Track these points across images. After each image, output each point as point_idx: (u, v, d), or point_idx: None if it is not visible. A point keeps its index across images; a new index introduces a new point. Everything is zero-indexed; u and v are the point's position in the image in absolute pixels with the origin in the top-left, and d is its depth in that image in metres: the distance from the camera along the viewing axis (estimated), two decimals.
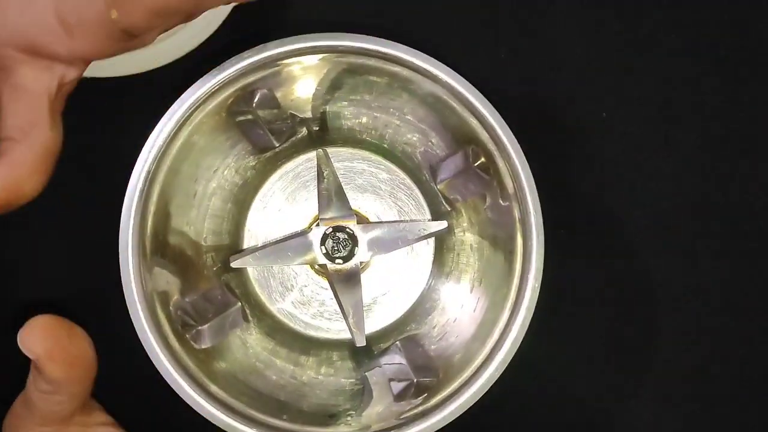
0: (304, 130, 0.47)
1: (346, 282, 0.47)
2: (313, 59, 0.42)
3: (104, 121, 0.48)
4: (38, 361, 0.36)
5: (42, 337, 0.36)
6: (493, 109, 0.40)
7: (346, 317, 0.47)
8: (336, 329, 0.48)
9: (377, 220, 0.48)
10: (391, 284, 0.48)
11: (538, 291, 0.40)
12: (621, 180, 0.51)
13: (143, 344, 0.40)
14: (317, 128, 0.47)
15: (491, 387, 0.41)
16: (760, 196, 0.51)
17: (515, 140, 0.40)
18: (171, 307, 0.43)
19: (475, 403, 0.41)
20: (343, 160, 0.48)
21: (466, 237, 0.47)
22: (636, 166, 0.51)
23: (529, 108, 0.50)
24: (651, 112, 0.51)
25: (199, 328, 0.44)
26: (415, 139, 0.47)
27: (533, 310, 0.41)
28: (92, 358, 0.38)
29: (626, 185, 0.51)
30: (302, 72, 0.42)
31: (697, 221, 0.51)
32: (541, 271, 0.40)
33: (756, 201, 0.51)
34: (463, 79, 0.40)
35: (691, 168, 0.51)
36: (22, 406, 0.39)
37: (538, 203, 0.40)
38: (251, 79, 0.41)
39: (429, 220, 0.48)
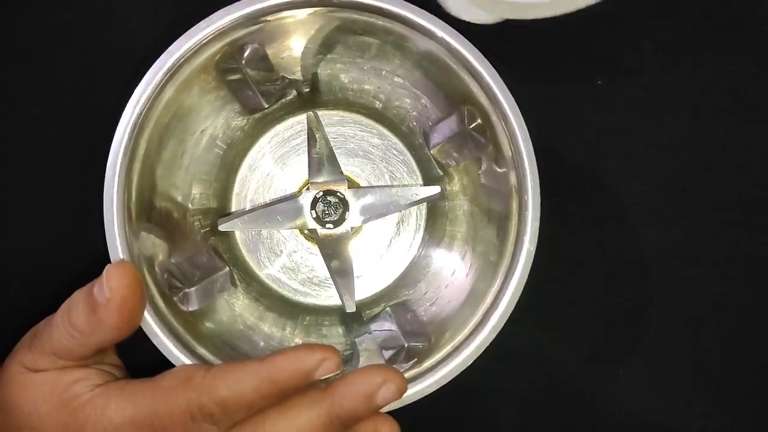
0: (294, 92, 0.46)
1: (336, 248, 0.46)
2: (304, 13, 0.41)
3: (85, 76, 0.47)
4: (110, 302, 0.36)
5: (127, 284, 0.36)
6: (490, 65, 0.39)
7: (336, 283, 0.46)
8: (325, 295, 0.47)
9: (369, 185, 0.47)
10: (382, 250, 0.47)
11: (533, 254, 0.39)
12: (616, 149, 0.50)
13: None
14: (308, 90, 0.46)
15: (482, 354, 0.41)
16: (757, 167, 0.50)
17: (511, 97, 0.39)
18: (157, 269, 0.42)
19: (466, 369, 0.41)
20: (335, 123, 0.47)
21: (459, 203, 0.46)
22: (631, 135, 0.50)
23: (523, 76, 0.50)
24: (647, 82, 0.50)
25: (186, 290, 0.43)
26: (408, 102, 0.46)
27: (527, 275, 0.40)
28: (141, 320, 0.38)
29: (621, 154, 0.50)
30: (293, 27, 0.41)
31: (692, 190, 0.50)
32: (537, 234, 0.40)
33: (752, 170, 0.50)
34: (459, 35, 0.39)
35: (687, 137, 0.50)
36: (42, 330, 0.38)
37: (535, 164, 0.39)
38: (241, 33, 0.40)
39: (421, 186, 0.47)
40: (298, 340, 0.46)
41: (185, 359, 0.39)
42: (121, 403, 0.36)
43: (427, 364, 0.40)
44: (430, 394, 0.40)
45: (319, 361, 0.34)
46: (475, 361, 0.40)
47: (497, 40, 0.42)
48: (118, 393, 0.36)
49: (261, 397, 0.35)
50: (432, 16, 0.39)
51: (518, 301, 0.41)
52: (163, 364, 0.39)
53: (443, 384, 0.40)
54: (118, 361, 0.40)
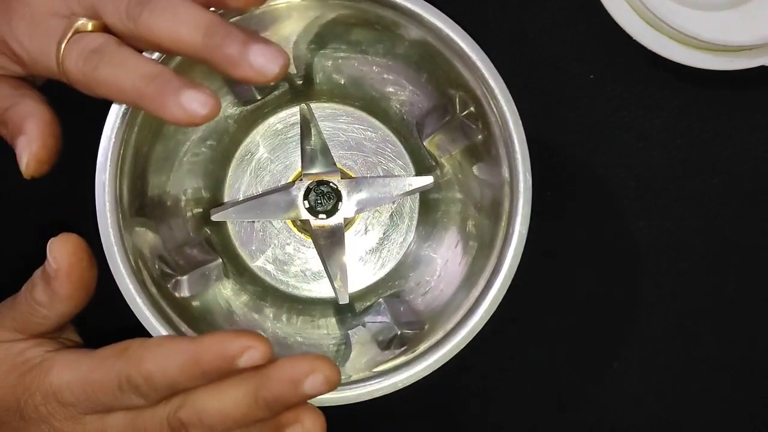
0: (286, 85, 0.46)
1: (329, 239, 0.46)
2: None
3: None
4: (57, 272, 0.37)
5: (71, 252, 0.37)
6: (481, 51, 0.40)
7: (329, 275, 0.46)
8: (318, 287, 0.47)
9: (361, 176, 0.47)
10: (376, 242, 0.47)
11: (525, 237, 0.39)
12: (608, 142, 0.50)
13: (121, 290, 0.39)
14: (301, 82, 0.47)
15: (473, 346, 0.40)
16: (747, 159, 0.50)
17: (502, 81, 0.39)
18: (149, 255, 0.42)
19: (456, 361, 0.40)
20: (328, 115, 0.47)
21: (452, 193, 0.46)
22: (624, 128, 0.50)
23: (516, 69, 0.50)
24: (639, 74, 0.50)
25: (179, 278, 0.43)
26: (400, 93, 0.46)
27: (519, 258, 0.40)
28: (94, 287, 0.38)
29: (613, 147, 0.50)
30: (285, 14, 0.41)
31: (684, 183, 0.50)
32: (528, 217, 0.40)
33: (742, 163, 0.50)
34: (450, 20, 0.40)
35: (678, 129, 0.50)
36: (6, 307, 0.39)
37: (526, 147, 0.39)
38: (233, 18, 0.40)
39: (414, 176, 0.47)
40: (291, 330, 0.46)
41: None
42: (63, 367, 0.37)
43: (419, 349, 0.40)
44: (422, 381, 0.40)
45: (242, 348, 0.34)
46: (465, 353, 0.40)
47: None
48: (63, 358, 0.38)
49: (185, 376, 0.34)
50: (423, 2, 0.40)
51: (510, 294, 0.40)
52: None
53: (436, 368, 0.40)
54: (77, 338, 0.41)
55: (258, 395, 0.34)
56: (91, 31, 0.37)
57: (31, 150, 0.38)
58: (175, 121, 0.35)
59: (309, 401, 0.36)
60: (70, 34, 0.36)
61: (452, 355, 0.40)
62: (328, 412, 0.37)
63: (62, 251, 0.37)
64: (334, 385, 0.34)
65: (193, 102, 0.34)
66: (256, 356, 0.34)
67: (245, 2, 0.36)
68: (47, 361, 0.38)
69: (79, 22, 0.36)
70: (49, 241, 0.37)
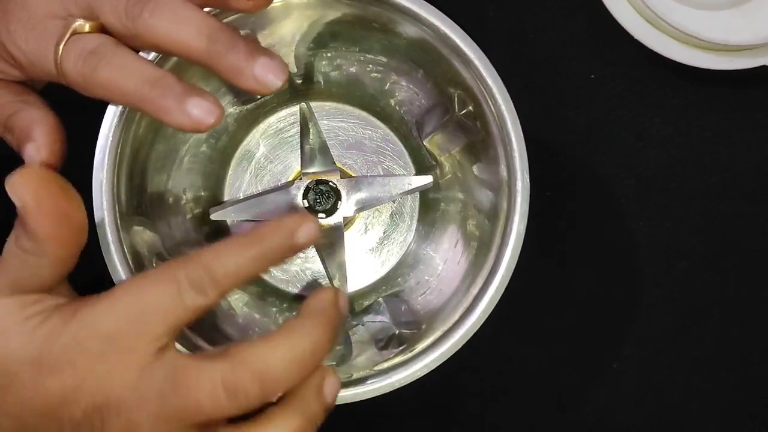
0: (286, 84, 0.46)
1: (329, 239, 0.46)
2: None
3: None
4: (25, 209, 0.32)
5: (35, 185, 0.33)
6: (479, 50, 0.40)
7: (329, 275, 0.46)
8: (318, 287, 0.47)
9: (361, 175, 0.47)
10: (376, 242, 0.47)
11: (523, 236, 0.39)
12: (608, 141, 0.50)
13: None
14: (300, 81, 0.47)
15: (471, 339, 0.40)
16: (747, 159, 0.50)
17: (500, 80, 0.39)
18: (147, 253, 0.42)
19: (455, 361, 0.40)
20: (327, 114, 0.47)
21: (452, 192, 0.46)
22: (624, 127, 0.50)
23: (515, 68, 0.50)
24: (639, 73, 0.50)
25: None
26: (400, 92, 0.46)
27: (517, 258, 0.40)
28: (83, 222, 0.34)
29: (613, 146, 0.50)
30: (286, 12, 0.41)
31: (684, 182, 0.50)
32: (526, 216, 0.39)
33: (742, 163, 0.50)
34: (449, 19, 0.39)
35: (678, 128, 0.50)
36: None
37: (524, 147, 0.39)
38: (231, 17, 0.40)
39: (414, 175, 0.47)
40: None
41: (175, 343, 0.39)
42: (96, 305, 0.33)
43: (417, 349, 0.40)
44: (420, 381, 0.40)
45: (298, 222, 0.34)
46: (464, 352, 0.40)
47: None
48: (91, 299, 0.33)
49: (247, 259, 0.33)
50: (422, 0, 0.40)
51: (509, 293, 0.40)
52: None
53: (434, 367, 0.39)
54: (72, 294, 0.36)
55: (261, 254, 0.34)
56: (88, 32, 0.37)
57: (41, 157, 0.38)
58: (178, 127, 0.35)
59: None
60: (67, 36, 0.36)
61: (450, 355, 0.39)
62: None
63: (22, 186, 0.33)
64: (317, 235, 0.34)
65: (198, 109, 0.35)
66: (312, 228, 0.34)
67: (253, 5, 0.36)
68: (71, 304, 0.33)
69: (77, 23, 0.36)
70: (7, 178, 0.33)
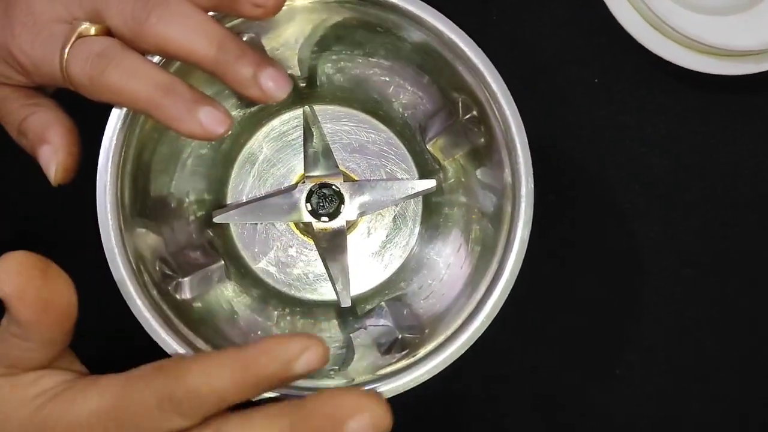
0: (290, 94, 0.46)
1: (332, 242, 0.46)
2: (302, 1, 0.41)
3: None
4: (7, 300, 0.32)
5: (14, 274, 0.32)
6: (484, 55, 0.40)
7: (331, 278, 0.46)
8: (320, 290, 0.47)
9: (364, 179, 0.47)
10: (379, 245, 0.47)
11: (527, 243, 0.39)
12: (611, 146, 0.50)
13: (121, 292, 0.39)
14: (304, 84, 0.47)
15: (475, 349, 0.40)
16: (750, 165, 0.50)
17: (504, 85, 0.39)
18: (150, 257, 0.42)
19: (457, 365, 0.40)
20: (331, 118, 0.47)
21: (455, 196, 0.46)
22: (626, 132, 0.50)
23: (518, 72, 0.50)
24: (642, 78, 0.50)
25: (180, 280, 0.43)
26: (403, 96, 0.46)
27: (521, 263, 0.40)
28: (70, 303, 0.33)
29: (616, 151, 0.50)
30: (290, 15, 0.41)
31: (686, 188, 0.50)
32: (530, 222, 0.39)
33: (745, 168, 0.50)
34: (453, 24, 0.39)
35: (681, 133, 0.50)
36: None
37: (528, 152, 0.39)
38: (236, 21, 0.40)
39: (417, 179, 0.47)
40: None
41: (177, 347, 0.39)
42: (89, 394, 0.33)
43: (420, 353, 0.40)
44: (423, 386, 0.40)
45: (301, 349, 0.30)
46: (467, 357, 0.40)
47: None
48: (85, 386, 0.33)
49: (236, 387, 0.31)
50: (426, 5, 0.39)
51: (512, 298, 0.40)
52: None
53: (436, 373, 0.39)
54: (83, 369, 0.37)
55: (296, 429, 0.30)
56: (94, 35, 0.36)
57: (59, 159, 0.39)
58: (189, 135, 0.36)
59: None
60: (73, 39, 0.36)
61: (453, 360, 0.39)
62: None
63: (5, 275, 0.32)
64: (384, 429, 0.30)
65: (209, 119, 0.35)
66: (315, 358, 0.31)
67: (262, 13, 0.36)
68: (69, 391, 0.33)
69: (82, 26, 0.36)
70: None
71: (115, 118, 0.39)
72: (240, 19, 0.40)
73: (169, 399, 0.31)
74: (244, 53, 0.36)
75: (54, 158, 0.39)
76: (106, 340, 0.42)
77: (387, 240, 0.47)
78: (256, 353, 0.31)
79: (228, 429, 0.31)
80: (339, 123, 0.47)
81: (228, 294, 0.45)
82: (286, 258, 0.47)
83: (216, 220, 0.45)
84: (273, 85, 0.36)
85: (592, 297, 0.50)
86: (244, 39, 0.41)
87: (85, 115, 0.39)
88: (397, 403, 0.39)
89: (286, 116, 0.47)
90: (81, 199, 0.40)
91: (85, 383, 0.34)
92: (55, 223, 0.48)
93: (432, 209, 0.47)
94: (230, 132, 0.46)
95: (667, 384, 0.50)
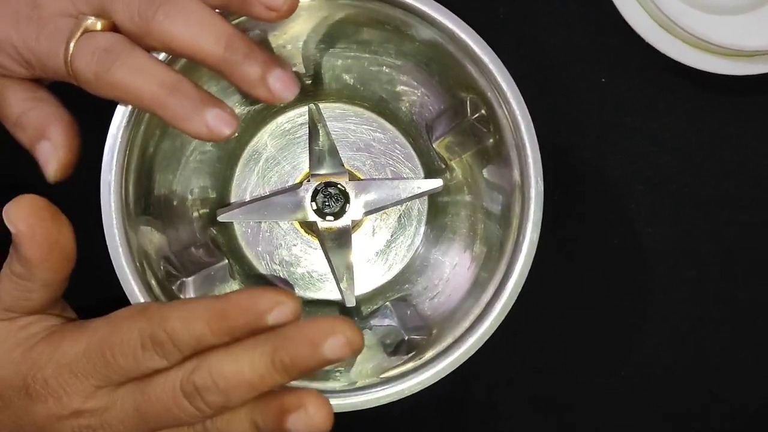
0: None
1: (337, 242, 0.45)
2: None
3: None
4: (18, 236, 0.34)
5: (27, 213, 0.35)
6: (493, 53, 0.39)
7: (336, 277, 0.45)
8: (325, 289, 0.47)
9: (370, 178, 0.47)
10: (384, 245, 0.47)
11: (536, 244, 0.39)
12: (618, 145, 0.50)
13: (125, 291, 0.39)
14: (309, 82, 0.46)
15: (481, 348, 0.40)
16: (756, 165, 0.50)
17: (514, 84, 0.39)
18: (154, 257, 0.41)
19: (464, 363, 0.40)
20: (336, 116, 0.47)
21: (461, 196, 0.46)
22: (634, 131, 0.50)
23: (526, 71, 0.49)
24: (651, 78, 0.50)
25: (183, 279, 0.42)
26: (410, 94, 0.46)
27: (530, 265, 0.39)
28: (72, 248, 0.36)
29: (623, 150, 0.50)
30: (296, 13, 0.41)
31: (694, 188, 0.50)
32: (540, 223, 0.39)
33: (755, 168, 0.50)
34: (463, 22, 0.39)
35: (689, 133, 0.50)
36: None
37: (538, 151, 0.39)
38: (243, 17, 0.39)
39: (423, 179, 0.46)
40: None
41: None
42: (76, 336, 0.35)
43: (428, 355, 0.40)
44: (429, 389, 0.40)
45: (273, 302, 0.32)
46: (473, 355, 0.40)
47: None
48: (74, 329, 0.36)
49: (210, 331, 0.33)
50: (435, 3, 0.39)
51: (518, 296, 0.40)
52: None
53: (444, 376, 0.39)
54: (74, 316, 0.39)
55: (275, 357, 0.32)
56: (100, 31, 0.36)
57: (59, 156, 0.39)
58: (195, 136, 0.36)
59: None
60: (78, 34, 0.36)
61: (460, 363, 0.39)
62: (334, 418, 0.36)
63: (16, 215, 0.34)
64: (357, 349, 0.32)
65: (216, 120, 0.35)
66: (286, 312, 0.32)
67: (275, 16, 0.36)
68: (58, 332, 0.36)
69: (88, 21, 0.36)
70: (4, 207, 0.35)
71: (120, 115, 0.39)
72: (241, 18, 0.39)
73: (151, 338, 0.33)
74: (252, 52, 0.35)
75: (54, 156, 0.39)
76: None
77: (392, 239, 0.47)
78: (229, 306, 0.33)
79: (210, 360, 0.33)
80: (345, 121, 0.47)
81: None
82: (291, 257, 0.47)
83: (220, 218, 0.45)
84: (281, 86, 0.36)
85: (597, 298, 0.50)
86: (250, 36, 0.41)
87: (86, 111, 0.38)
88: (401, 405, 0.39)
89: (291, 114, 0.47)
90: (85, 197, 0.40)
91: (74, 325, 0.36)
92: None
93: (438, 209, 0.47)
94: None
95: (674, 387, 0.49)
